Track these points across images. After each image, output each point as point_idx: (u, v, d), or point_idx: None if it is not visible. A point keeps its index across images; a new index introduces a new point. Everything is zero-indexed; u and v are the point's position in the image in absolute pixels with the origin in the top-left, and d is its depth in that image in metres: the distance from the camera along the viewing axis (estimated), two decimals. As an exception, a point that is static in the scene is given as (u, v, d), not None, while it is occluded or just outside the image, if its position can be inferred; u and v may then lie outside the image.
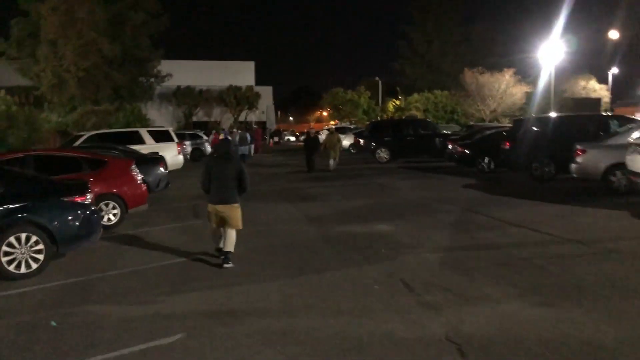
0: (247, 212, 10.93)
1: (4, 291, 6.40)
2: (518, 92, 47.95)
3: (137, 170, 10.86)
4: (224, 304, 5.68)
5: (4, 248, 6.75)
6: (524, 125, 16.14)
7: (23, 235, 6.89)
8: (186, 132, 32.39)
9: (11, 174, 7.65)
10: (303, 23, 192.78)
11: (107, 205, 10.11)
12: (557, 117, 17.38)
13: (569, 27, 37.64)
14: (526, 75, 49.79)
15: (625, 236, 8.28)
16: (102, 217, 9.96)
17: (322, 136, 26.51)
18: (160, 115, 53.50)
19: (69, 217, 7.28)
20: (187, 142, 27.87)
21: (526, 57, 47.31)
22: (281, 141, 57.82)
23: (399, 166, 22.09)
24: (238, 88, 57.75)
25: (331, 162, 19.80)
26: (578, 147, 12.62)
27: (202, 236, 8.94)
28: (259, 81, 65.71)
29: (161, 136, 19.23)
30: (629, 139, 10.99)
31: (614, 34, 43.28)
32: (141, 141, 18.37)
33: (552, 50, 36.25)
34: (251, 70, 66.33)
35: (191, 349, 4.56)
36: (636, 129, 11.66)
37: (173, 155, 18.96)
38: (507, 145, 15.83)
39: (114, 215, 10.19)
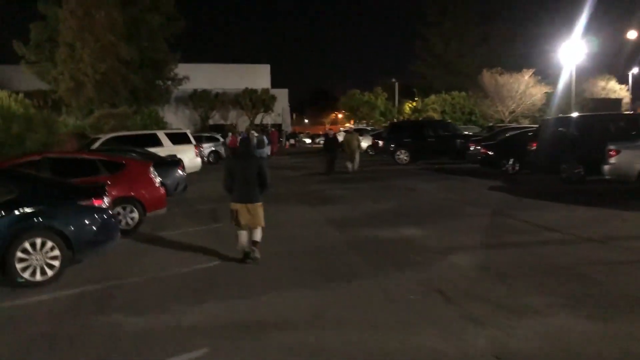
0: (267, 216, 10.60)
1: (19, 300, 6.12)
2: (538, 92, 47.19)
3: (156, 173, 10.58)
4: (250, 315, 5.33)
5: (19, 254, 6.46)
6: (551, 125, 15.62)
7: (38, 241, 6.60)
8: (203, 134, 32.19)
9: (25, 177, 7.38)
10: (319, 25, 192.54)
11: (124, 208, 9.83)
12: (585, 116, 16.84)
13: (587, 27, 36.87)
14: (545, 75, 49.02)
15: (671, 241, 7.80)
16: (120, 221, 9.72)
17: (340, 137, 26.13)
18: (176, 119, 53.61)
19: (86, 222, 6.98)
20: (205, 145, 27.67)
21: (545, 58, 46.59)
22: (297, 144, 57.47)
23: (420, 168, 21.63)
24: (254, 91, 57.68)
25: (349, 164, 19.16)
26: (611, 147, 12.10)
27: (223, 240, 8.63)
28: (275, 84, 65.63)
29: (179, 139, 19.00)
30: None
31: (632, 34, 42.33)
32: (159, 144, 18.15)
33: (572, 51, 35.55)
34: (267, 72, 66.29)
35: (217, 366, 4.22)
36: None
37: (191, 157, 18.71)
38: (534, 146, 15.31)
39: (132, 219, 9.90)
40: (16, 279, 6.46)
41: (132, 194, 9.93)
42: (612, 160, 12.10)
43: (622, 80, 58.70)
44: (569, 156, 14.40)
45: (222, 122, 59.44)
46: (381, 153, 26.06)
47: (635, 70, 58.01)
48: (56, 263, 6.69)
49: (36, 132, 20.90)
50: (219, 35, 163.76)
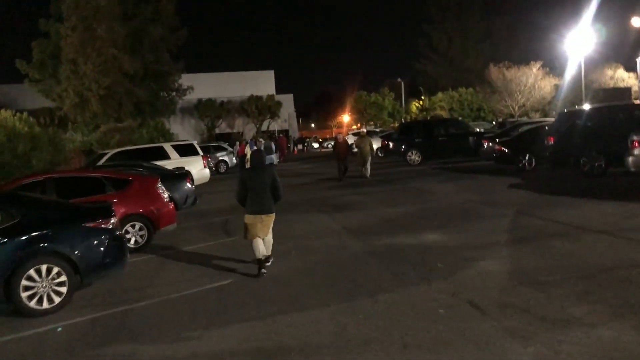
0: (280, 225, 10.24)
1: (25, 331, 5.78)
2: (547, 85, 46.62)
3: (164, 188, 10.23)
4: (270, 339, 4.94)
5: (24, 282, 6.13)
6: (568, 118, 15.12)
7: (44, 267, 6.28)
8: (210, 144, 31.94)
9: (28, 200, 7.06)
10: (320, 29, 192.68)
11: (133, 226, 9.52)
12: (605, 107, 16.30)
13: (592, 16, 36.27)
14: (553, 67, 48.43)
15: None
16: (129, 240, 9.38)
17: (349, 140, 25.73)
18: (183, 129, 53.55)
19: (93, 245, 6.65)
20: (213, 155, 27.42)
21: (552, 49, 45.99)
22: (306, 148, 57.09)
23: (433, 168, 21.17)
24: (259, 98, 57.49)
25: (363, 169, 18.52)
26: (635, 138, 11.63)
27: (236, 255, 8.30)
28: (280, 89, 65.43)
29: (186, 150, 18.68)
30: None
31: (636, 21, 41.69)
32: (166, 156, 17.85)
33: (581, 41, 34.97)
34: (271, 79, 66.09)
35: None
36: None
37: (199, 169, 18.41)
38: (551, 141, 14.83)
39: (141, 236, 9.58)
40: (22, 308, 6.13)
41: (141, 210, 9.61)
42: (637, 151, 11.63)
43: (630, 68, 57.96)
44: (589, 149, 13.91)
45: (228, 130, 59.31)
46: (392, 154, 25.61)
47: (644, 57, 57.15)
48: (63, 289, 6.37)
49: (42, 150, 20.71)
50: (221, 44, 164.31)
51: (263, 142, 26.52)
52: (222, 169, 28.32)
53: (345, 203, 13.29)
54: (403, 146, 23.67)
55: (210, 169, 22.54)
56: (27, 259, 6.19)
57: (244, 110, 57.99)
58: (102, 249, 6.72)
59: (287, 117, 64.73)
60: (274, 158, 25.41)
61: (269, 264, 7.33)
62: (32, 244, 6.28)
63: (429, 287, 6.02)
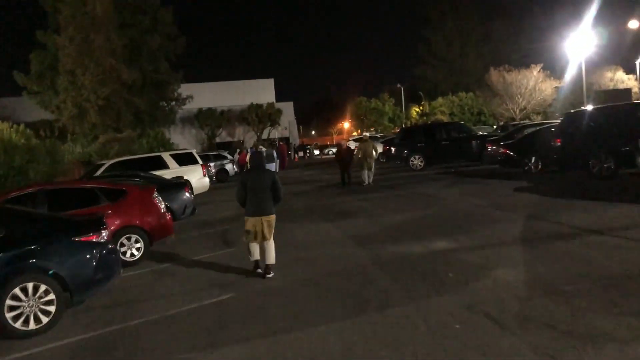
0: (282, 234, 9.93)
1: (9, 355, 5.38)
2: (547, 87, 46.30)
3: (160, 198, 9.86)
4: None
5: (8, 302, 5.74)
6: (575, 119, 14.74)
7: (30, 285, 5.88)
8: (210, 153, 31.61)
9: (14, 213, 6.67)
10: (319, 36, 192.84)
11: (129, 239, 9.13)
12: (613, 107, 15.93)
13: (592, 19, 35.98)
14: (553, 70, 48.19)
15: None
16: (124, 253, 9.01)
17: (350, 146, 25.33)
18: (183, 139, 53.34)
19: (83, 260, 6.27)
20: (212, 164, 27.05)
21: (552, 52, 45.75)
22: (307, 156, 56.72)
23: (436, 172, 20.80)
24: (259, 106, 57.32)
25: (365, 174, 17.93)
26: (647, 137, 11.25)
27: (236, 267, 7.92)
28: (279, 97, 65.26)
29: (185, 159, 18.31)
30: None
31: (634, 24, 41.35)
32: (164, 166, 17.49)
33: (581, 43, 34.65)
34: (271, 87, 66.00)
35: None
36: None
37: (198, 178, 18.04)
38: (558, 142, 14.45)
39: (137, 249, 9.18)
40: (6, 330, 5.74)
41: (136, 222, 9.23)
42: (649, 151, 11.25)
43: (629, 70, 57.78)
44: (598, 150, 13.54)
45: (229, 139, 59.10)
46: (394, 159, 25.23)
47: (643, 59, 56.94)
48: (51, 308, 5.98)
49: (39, 162, 20.37)
50: (220, 53, 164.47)
51: (264, 150, 26.18)
52: (220, 177, 27.91)
53: (348, 210, 12.91)
54: (405, 151, 23.30)
55: (210, 177, 22.20)
56: (12, 276, 5.80)
57: (244, 119, 57.81)
58: (93, 264, 6.34)
59: (287, 124, 64.52)
60: (275, 167, 25.03)
61: (270, 275, 7.22)
62: (18, 261, 5.89)
63: (442, 300, 5.63)
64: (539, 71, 45.55)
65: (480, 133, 24.90)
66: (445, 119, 54.31)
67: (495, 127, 45.04)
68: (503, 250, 7.42)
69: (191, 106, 46.73)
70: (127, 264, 8.91)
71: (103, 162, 18.46)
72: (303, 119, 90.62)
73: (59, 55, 32.14)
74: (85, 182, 10.45)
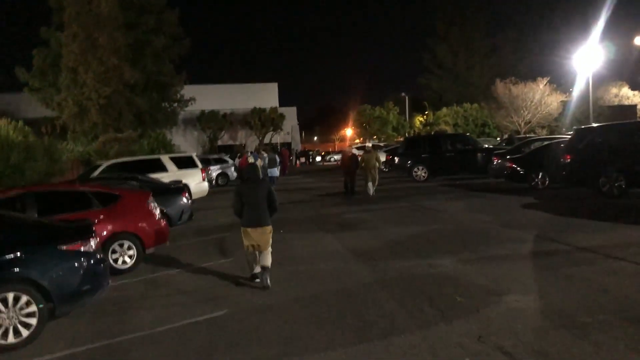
0: (281, 245, 9.55)
1: (-17, 372, 5.00)
2: (554, 101, 45.94)
3: (155, 204, 9.48)
4: (266, 393, 4.16)
5: (-15, 314, 5.37)
6: (586, 134, 14.36)
7: (10, 295, 5.52)
8: (211, 156, 31.23)
9: (-5, 218, 6.29)
10: (325, 42, 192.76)
11: (121, 245, 8.76)
12: (624, 124, 15.58)
13: (598, 34, 35.70)
14: (559, 84, 47.88)
15: None
16: (116, 260, 8.63)
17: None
18: (185, 141, 52.96)
19: (68, 270, 5.89)
20: (212, 167, 26.66)
21: (558, 66, 45.47)
22: (308, 162, 56.30)
23: (440, 184, 20.42)
24: (262, 110, 56.95)
25: (369, 185, 17.40)
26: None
27: (232, 280, 7.58)
28: (283, 102, 64.94)
29: (184, 162, 17.93)
30: None
31: (639, 41, 41.05)
32: (163, 169, 17.11)
33: (588, 58, 34.34)
34: (275, 91, 65.67)
35: None
36: None
37: (197, 182, 17.65)
38: (568, 159, 14.06)
39: (130, 257, 8.81)
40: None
41: (129, 228, 8.85)
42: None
43: (634, 86, 57.57)
44: (609, 168, 13.16)
45: (231, 142, 58.75)
46: (397, 169, 24.84)
47: (647, 75, 56.76)
48: (32, 321, 5.60)
49: (36, 160, 19.99)
50: (225, 55, 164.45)
51: (266, 154, 25.80)
52: (219, 181, 27.52)
53: (349, 221, 12.52)
54: (409, 161, 22.90)
55: (210, 181, 21.83)
56: (-9, 286, 5.44)
57: (247, 123, 57.43)
58: (79, 274, 5.97)
59: (290, 129, 64.16)
60: (277, 171, 24.62)
61: (266, 276, 7.25)
62: (-2, 269, 5.52)
63: (450, 328, 5.23)
64: (546, 84, 45.18)
65: (486, 146, 24.50)
66: (449, 129, 53.97)
67: (498, 139, 44.70)
68: (513, 273, 7.02)
69: (194, 108, 46.41)
70: (119, 272, 8.56)
71: (100, 163, 18.09)
72: (306, 125, 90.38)
73: (62, 52, 31.83)
74: (77, 185, 10.08)
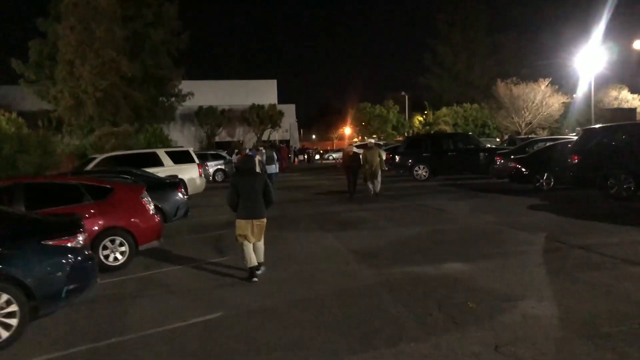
0: (280, 244, 9.21)
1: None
2: (555, 102, 45.62)
3: (149, 199, 9.08)
4: (264, 408, 3.78)
5: (-39, 313, 4.98)
6: (594, 135, 13.99)
7: (-11, 294, 5.12)
8: (208, 152, 30.82)
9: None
10: (325, 39, 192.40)
11: (112, 241, 8.36)
12: (633, 125, 15.22)
13: (600, 35, 35.27)
14: (560, 85, 47.58)
15: None
16: (107, 256, 8.23)
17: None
18: (182, 136, 52.58)
19: (53, 267, 5.50)
20: (210, 163, 26.25)
21: (560, 67, 45.12)
22: (306, 160, 55.81)
23: (441, 184, 20.05)
24: (261, 107, 56.59)
25: (370, 185, 16.78)
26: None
27: (229, 280, 7.20)
28: (282, 99, 64.59)
29: (181, 157, 17.52)
30: None
31: (638, 44, 40.77)
32: (159, 163, 16.70)
33: (591, 59, 33.99)
34: (274, 88, 65.34)
35: None
36: None
37: (194, 177, 17.25)
38: (575, 159, 13.70)
39: (122, 253, 8.41)
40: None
41: (122, 224, 8.45)
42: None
43: (634, 89, 57.39)
44: (618, 169, 12.81)
45: (228, 139, 58.35)
46: (397, 168, 24.42)
47: (649, 78, 56.54)
48: (13, 322, 5.21)
49: (29, 153, 19.59)
50: (225, 51, 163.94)
51: (265, 151, 25.37)
52: (217, 177, 27.13)
53: (350, 220, 12.14)
54: (410, 160, 22.50)
55: (207, 177, 21.44)
56: (-32, 284, 5.04)
57: (245, 119, 57.04)
58: (65, 271, 5.58)
59: (288, 127, 63.79)
60: (275, 168, 24.22)
61: (260, 271, 7.31)
62: (-23, 266, 5.13)
63: (463, 335, 4.85)
64: (547, 85, 44.86)
65: (489, 146, 24.13)
66: (448, 129, 53.65)
67: (498, 139, 44.36)
68: (526, 277, 6.65)
69: (192, 103, 46.02)
70: (109, 269, 8.19)
71: (95, 156, 17.67)
72: (304, 123, 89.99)
73: (59, 44, 31.36)
74: (69, 178, 9.67)
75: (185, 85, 41.92)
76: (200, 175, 17.65)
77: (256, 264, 7.27)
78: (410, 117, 66.45)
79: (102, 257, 8.17)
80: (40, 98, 35.29)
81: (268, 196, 7.26)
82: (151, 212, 8.88)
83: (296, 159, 53.35)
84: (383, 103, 65.60)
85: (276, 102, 61.50)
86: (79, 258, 5.75)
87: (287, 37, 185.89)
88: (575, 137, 20.25)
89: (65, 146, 29.85)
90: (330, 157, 55.51)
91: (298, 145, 65.18)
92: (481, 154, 21.63)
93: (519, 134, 43.82)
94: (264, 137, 56.75)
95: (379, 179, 16.72)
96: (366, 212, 13.28)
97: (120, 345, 5.15)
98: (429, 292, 6.20)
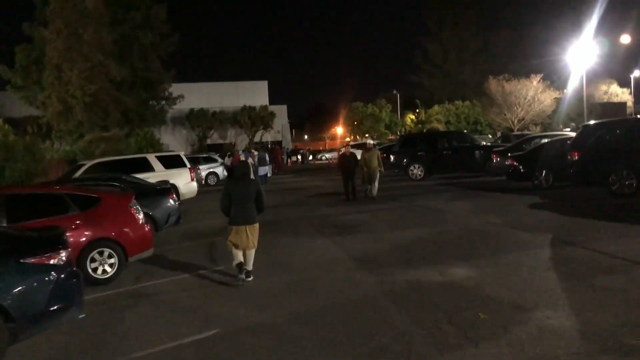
0: (276, 250, 8.86)
1: None
2: (547, 98, 45.55)
3: (139, 208, 8.68)
4: None
5: None
6: (594, 132, 13.71)
7: (-37, 318, 4.73)
8: (200, 155, 30.39)
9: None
10: (315, 40, 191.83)
11: (101, 253, 7.96)
12: (635, 120, 14.96)
13: (592, 30, 35.10)
14: (552, 80, 47.52)
15: None
16: (95, 269, 7.83)
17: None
18: (174, 139, 52.09)
19: (33, 287, 5.10)
20: (201, 166, 25.81)
21: (551, 62, 45.03)
22: (299, 161, 55.38)
23: (437, 183, 19.74)
24: (252, 108, 56.19)
25: (369, 187, 15.97)
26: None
27: (224, 293, 6.83)
28: (273, 100, 64.19)
29: (172, 162, 17.08)
30: None
31: (625, 39, 40.73)
32: (149, 168, 16.28)
33: (582, 54, 33.83)
34: (265, 89, 64.99)
35: None
36: None
37: (186, 182, 16.83)
38: (576, 156, 13.41)
39: (111, 265, 8.01)
40: None
41: (110, 234, 8.05)
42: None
43: (623, 83, 57.53)
44: (619, 166, 12.53)
45: (220, 141, 57.88)
46: (392, 168, 24.10)
47: (637, 73, 56.67)
48: (-10, 347, 4.80)
49: (16, 160, 19.12)
50: (215, 53, 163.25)
51: (257, 153, 25.01)
52: (209, 180, 26.71)
53: (347, 223, 11.79)
54: (405, 159, 22.20)
55: (199, 181, 21.05)
56: (-60, 307, 4.65)
57: (237, 121, 56.60)
58: (47, 291, 5.18)
59: (280, 128, 63.39)
60: (268, 170, 23.88)
61: (250, 279, 7.21)
62: (-51, 288, 4.73)
63: (478, 352, 4.50)
64: (539, 81, 44.77)
65: (484, 143, 23.86)
66: (441, 127, 53.47)
67: (491, 136, 44.19)
68: (537, 283, 6.32)
69: (182, 106, 45.57)
70: (98, 282, 7.79)
71: (83, 162, 17.21)
72: (296, 124, 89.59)
73: (46, 48, 30.80)
74: (54, 187, 9.26)
75: (176, 88, 41.45)
76: (192, 179, 17.23)
77: (242, 259, 7.24)
78: (403, 115, 66.27)
79: (90, 270, 7.78)
80: (29, 104, 34.71)
81: (260, 203, 7.28)
82: (141, 221, 8.48)
83: (289, 160, 52.96)
84: (375, 102, 65.33)
85: (267, 103, 61.08)
86: (62, 276, 5.35)
87: (277, 37, 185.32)
88: (570, 133, 20.07)
89: (55, 152, 29.35)
90: (323, 157, 55.18)
91: (290, 146, 64.82)
92: (477, 152, 21.36)
93: (511, 130, 43.70)
94: (256, 139, 56.36)
95: (377, 183, 16.01)
96: (364, 215, 12.93)
97: (108, 369, 4.78)
98: (436, 302, 5.85)
